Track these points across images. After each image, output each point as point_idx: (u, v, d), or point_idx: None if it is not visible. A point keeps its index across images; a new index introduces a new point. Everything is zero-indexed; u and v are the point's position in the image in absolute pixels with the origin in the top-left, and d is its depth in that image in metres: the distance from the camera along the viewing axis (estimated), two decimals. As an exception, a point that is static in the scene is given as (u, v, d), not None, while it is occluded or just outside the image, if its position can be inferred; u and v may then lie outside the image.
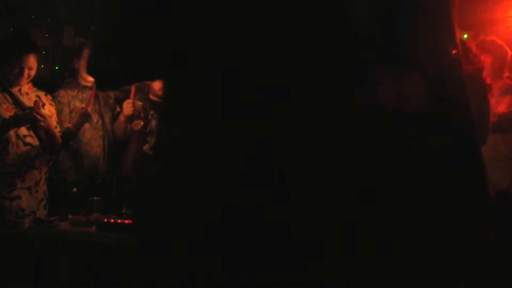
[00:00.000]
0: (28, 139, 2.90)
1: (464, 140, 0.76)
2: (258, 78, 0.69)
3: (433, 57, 0.74)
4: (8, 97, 2.87)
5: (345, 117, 0.68)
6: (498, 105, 3.10)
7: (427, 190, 0.71)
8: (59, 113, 3.27)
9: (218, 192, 0.69)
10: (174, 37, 0.74)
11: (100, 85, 0.90)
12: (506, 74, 3.22)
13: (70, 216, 2.85)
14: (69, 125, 3.26)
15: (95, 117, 3.40)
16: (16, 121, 2.80)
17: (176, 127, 0.78)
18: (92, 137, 3.39)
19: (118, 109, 3.54)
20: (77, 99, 3.36)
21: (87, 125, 3.33)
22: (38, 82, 3.16)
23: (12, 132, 2.83)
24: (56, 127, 3.10)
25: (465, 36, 5.15)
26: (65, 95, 3.36)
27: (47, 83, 3.55)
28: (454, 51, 0.77)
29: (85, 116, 3.23)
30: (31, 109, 2.83)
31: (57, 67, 4.41)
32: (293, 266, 0.66)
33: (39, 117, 2.81)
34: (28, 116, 2.80)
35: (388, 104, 0.69)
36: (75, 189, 3.20)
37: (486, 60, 3.16)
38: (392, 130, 0.70)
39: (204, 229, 0.69)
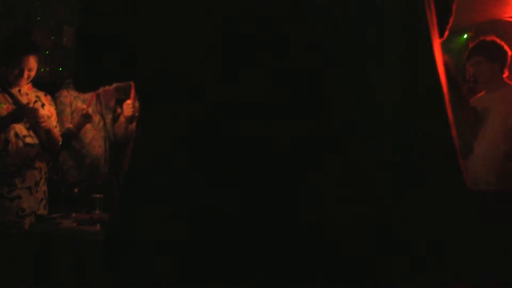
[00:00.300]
0: (28, 139, 2.91)
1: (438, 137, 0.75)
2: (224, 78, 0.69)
3: (406, 52, 0.73)
4: (8, 97, 2.87)
5: (317, 116, 0.68)
6: (499, 105, 3.11)
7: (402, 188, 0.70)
8: (61, 113, 3.28)
9: (185, 192, 0.69)
10: (144, 37, 0.74)
11: (77, 86, 0.90)
12: (506, 74, 3.22)
13: (73, 214, 2.85)
14: (70, 125, 3.27)
15: (96, 118, 3.40)
16: (13, 117, 2.79)
17: (147, 128, 0.78)
18: (93, 138, 3.39)
19: (119, 110, 3.54)
20: (79, 100, 3.37)
21: (88, 126, 3.34)
22: (38, 83, 3.16)
23: (12, 132, 2.84)
24: (56, 127, 3.10)
25: (465, 36, 5.16)
26: (67, 95, 3.36)
27: (47, 83, 3.56)
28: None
29: (86, 117, 3.24)
30: (27, 106, 2.83)
31: (60, 69, 4.41)
32: (263, 266, 0.66)
33: (37, 114, 2.82)
34: (25, 110, 2.80)
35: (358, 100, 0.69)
36: (77, 189, 3.20)
37: (486, 61, 3.16)
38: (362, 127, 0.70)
39: (172, 229, 0.69)
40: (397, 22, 0.72)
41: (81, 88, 0.91)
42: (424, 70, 0.75)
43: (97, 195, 2.97)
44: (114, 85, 0.86)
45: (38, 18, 4.24)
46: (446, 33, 0.93)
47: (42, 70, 3.89)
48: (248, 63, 0.69)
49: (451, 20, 0.93)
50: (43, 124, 2.87)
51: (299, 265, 0.66)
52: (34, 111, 2.84)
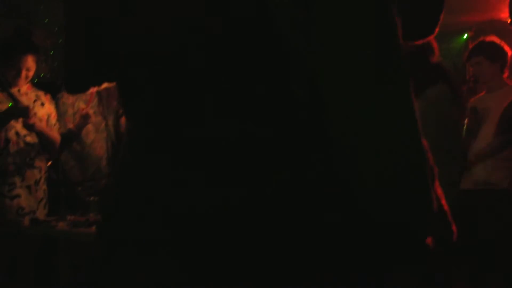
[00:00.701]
0: (28, 138, 2.91)
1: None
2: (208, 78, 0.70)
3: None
4: (7, 97, 2.88)
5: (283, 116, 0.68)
6: (499, 105, 3.11)
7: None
8: (63, 114, 3.29)
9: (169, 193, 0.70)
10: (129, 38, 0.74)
11: (67, 87, 0.90)
12: (506, 75, 3.22)
13: (68, 217, 2.85)
14: (71, 126, 3.28)
15: (98, 119, 3.41)
16: (8, 114, 2.80)
17: (131, 127, 0.79)
18: (95, 139, 3.40)
19: (121, 111, 3.55)
20: (81, 101, 3.38)
21: (90, 127, 3.35)
22: (38, 82, 3.17)
23: (12, 131, 2.84)
24: (54, 125, 3.10)
25: (465, 36, 5.16)
26: (69, 96, 3.37)
27: (47, 83, 3.56)
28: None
29: (85, 118, 3.24)
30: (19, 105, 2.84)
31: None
32: (252, 269, 0.67)
33: (27, 114, 2.82)
34: (20, 110, 2.80)
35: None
36: (80, 188, 3.21)
37: (486, 61, 3.16)
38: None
39: (161, 229, 0.70)
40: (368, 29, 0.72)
41: (70, 90, 0.92)
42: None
43: (91, 198, 2.98)
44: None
45: (46, 20, 4.24)
46: (437, 30, 0.92)
47: (42, 75, 3.89)
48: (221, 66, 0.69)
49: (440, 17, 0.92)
50: (34, 126, 2.87)
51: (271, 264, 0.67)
52: (25, 111, 2.82)
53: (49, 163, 3.16)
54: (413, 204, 0.70)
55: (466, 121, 3.17)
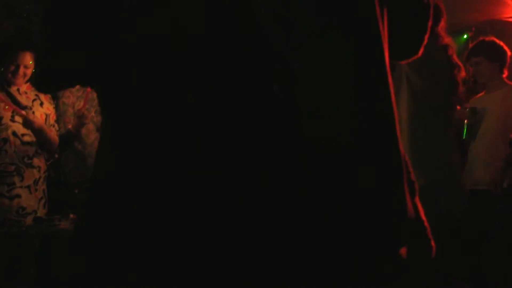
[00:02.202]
0: (26, 138, 2.91)
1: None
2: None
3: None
4: (6, 96, 2.88)
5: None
6: (499, 105, 3.11)
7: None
8: (63, 114, 3.29)
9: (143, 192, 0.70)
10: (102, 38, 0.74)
11: (38, 86, 0.90)
12: (505, 75, 3.22)
13: (71, 215, 2.85)
14: (70, 126, 3.28)
15: (99, 119, 3.40)
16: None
17: (111, 127, 0.80)
18: (96, 139, 3.40)
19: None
20: (82, 100, 3.37)
21: (91, 126, 3.34)
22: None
23: (10, 131, 2.84)
24: (53, 125, 3.10)
25: (465, 36, 5.16)
26: (70, 95, 3.37)
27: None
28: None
29: (80, 118, 3.23)
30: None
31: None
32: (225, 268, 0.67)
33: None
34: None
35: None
36: (77, 190, 3.20)
37: (486, 61, 3.16)
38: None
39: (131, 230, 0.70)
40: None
41: (40, 88, 0.92)
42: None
43: None
44: None
45: (37, 18, 4.23)
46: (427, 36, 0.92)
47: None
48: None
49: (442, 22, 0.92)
50: (33, 124, 2.88)
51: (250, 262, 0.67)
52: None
53: (48, 162, 3.15)
54: (386, 208, 0.70)
55: (466, 121, 3.16)
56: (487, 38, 3.27)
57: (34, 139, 2.93)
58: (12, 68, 2.88)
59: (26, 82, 3.00)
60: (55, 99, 3.33)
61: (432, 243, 0.92)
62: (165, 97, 0.70)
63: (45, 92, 2.93)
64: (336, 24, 0.69)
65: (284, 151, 0.68)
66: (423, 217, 0.89)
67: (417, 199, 0.86)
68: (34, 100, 3.01)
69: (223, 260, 0.67)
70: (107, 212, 0.74)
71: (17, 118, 2.87)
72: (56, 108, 3.33)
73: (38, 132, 2.92)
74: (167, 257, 0.67)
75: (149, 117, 0.71)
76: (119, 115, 0.76)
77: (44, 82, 0.87)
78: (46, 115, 3.05)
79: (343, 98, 0.69)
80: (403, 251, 0.73)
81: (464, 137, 3.20)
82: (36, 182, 2.95)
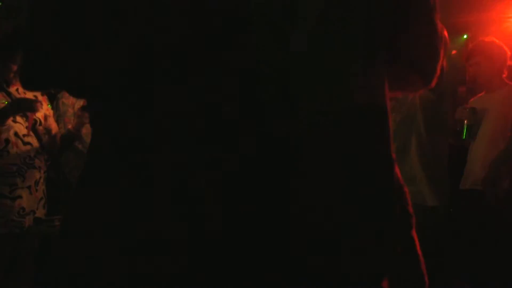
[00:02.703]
0: (28, 139, 2.91)
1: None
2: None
3: None
4: (6, 96, 2.88)
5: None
6: (499, 106, 3.11)
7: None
8: (63, 114, 3.28)
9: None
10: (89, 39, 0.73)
11: (24, 83, 0.88)
12: (505, 75, 3.22)
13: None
14: (70, 126, 3.28)
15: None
16: (13, 108, 2.80)
17: (100, 137, 0.80)
18: (96, 139, 3.39)
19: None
20: (82, 100, 3.37)
21: (93, 127, 3.33)
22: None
23: (11, 132, 2.84)
24: (52, 125, 3.10)
25: (465, 36, 5.16)
26: (69, 96, 3.36)
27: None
28: None
29: (79, 117, 3.23)
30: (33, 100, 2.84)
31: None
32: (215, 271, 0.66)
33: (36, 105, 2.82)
34: (26, 103, 2.81)
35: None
36: None
37: (485, 61, 3.16)
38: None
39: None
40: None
41: (26, 86, 0.91)
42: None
43: None
44: None
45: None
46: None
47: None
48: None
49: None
50: (35, 125, 2.87)
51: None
52: (32, 104, 2.83)
53: (48, 162, 3.15)
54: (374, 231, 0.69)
55: (466, 121, 3.17)
56: (486, 38, 3.27)
57: (35, 139, 2.94)
58: (12, 68, 2.88)
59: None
60: (55, 99, 3.32)
61: (426, 279, 0.84)
62: (151, 112, 0.69)
63: (31, 90, 2.93)
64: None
65: (273, 160, 0.67)
66: (418, 246, 0.83)
67: (413, 232, 0.82)
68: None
69: (223, 260, 0.66)
70: (86, 228, 0.72)
71: (18, 118, 2.88)
72: (56, 108, 3.33)
73: (53, 138, 2.93)
74: (162, 257, 0.66)
75: (134, 130, 0.70)
76: (106, 127, 0.77)
77: (30, 82, 0.86)
78: (45, 116, 3.05)
79: (335, 111, 0.69)
80: (384, 284, 0.71)
81: (464, 137, 3.20)
82: (36, 182, 2.95)
